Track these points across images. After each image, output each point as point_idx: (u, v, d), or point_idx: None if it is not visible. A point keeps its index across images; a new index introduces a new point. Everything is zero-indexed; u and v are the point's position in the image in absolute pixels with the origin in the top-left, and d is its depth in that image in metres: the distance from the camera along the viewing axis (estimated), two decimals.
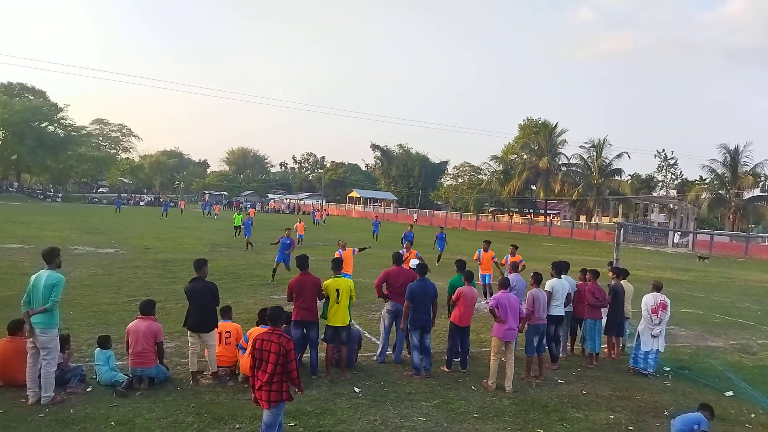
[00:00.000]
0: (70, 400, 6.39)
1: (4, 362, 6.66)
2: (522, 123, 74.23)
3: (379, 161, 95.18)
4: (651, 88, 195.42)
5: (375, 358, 8.80)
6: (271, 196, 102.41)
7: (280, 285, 15.34)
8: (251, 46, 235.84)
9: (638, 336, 9.08)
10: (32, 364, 6.27)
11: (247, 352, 7.21)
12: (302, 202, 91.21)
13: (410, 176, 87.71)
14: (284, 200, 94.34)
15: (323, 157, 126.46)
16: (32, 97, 76.18)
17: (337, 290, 7.77)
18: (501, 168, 70.53)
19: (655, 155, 75.69)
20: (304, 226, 29.48)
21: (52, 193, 72.19)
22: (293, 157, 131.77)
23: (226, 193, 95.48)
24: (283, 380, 4.94)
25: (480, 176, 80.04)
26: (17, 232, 25.72)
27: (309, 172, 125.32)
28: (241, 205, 74.23)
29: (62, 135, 76.23)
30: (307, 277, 7.86)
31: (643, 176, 76.78)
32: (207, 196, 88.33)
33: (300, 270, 7.94)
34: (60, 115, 76.47)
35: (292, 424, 6.05)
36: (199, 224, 40.23)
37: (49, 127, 74.81)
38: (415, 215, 68.22)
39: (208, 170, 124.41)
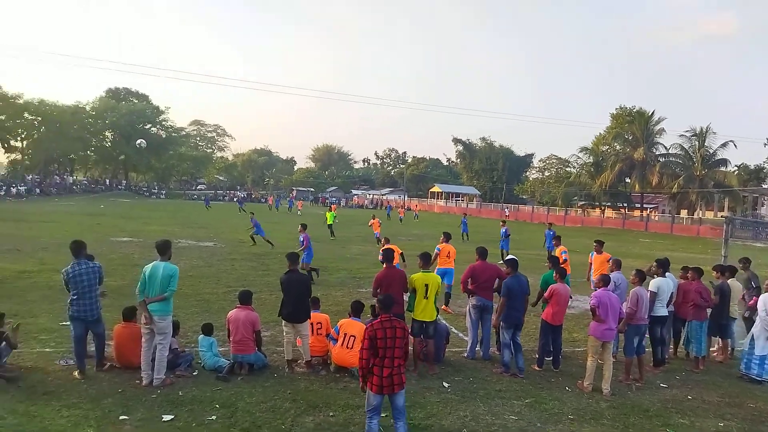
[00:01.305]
0: (179, 382, 6.87)
1: (120, 346, 7.29)
2: (614, 112, 70.32)
3: (461, 155, 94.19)
4: (758, 71, 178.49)
5: (464, 354, 8.73)
6: (354, 191, 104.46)
7: (366, 278, 15.63)
8: (338, 46, 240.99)
9: (752, 339, 8.35)
10: (146, 348, 6.82)
11: (339, 342, 7.42)
12: (384, 197, 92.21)
13: (494, 170, 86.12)
14: (367, 196, 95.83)
15: (405, 153, 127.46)
16: (136, 101, 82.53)
17: (426, 285, 7.74)
18: (591, 160, 67.22)
19: (765, 144, 69.07)
20: (379, 223, 28.56)
21: (156, 191, 77.94)
22: (375, 153, 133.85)
23: (312, 189, 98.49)
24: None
25: (568, 169, 76.88)
26: (127, 227, 28.00)
27: (391, 167, 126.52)
28: (326, 201, 75.59)
29: (164, 136, 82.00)
30: (394, 271, 7.91)
31: (752, 167, 70.40)
32: (294, 192, 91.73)
33: (386, 264, 8.02)
34: (162, 117, 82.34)
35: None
36: (289, 219, 41.77)
37: (152, 128, 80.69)
38: (506, 210, 65.89)
39: (295, 167, 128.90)
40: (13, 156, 72.17)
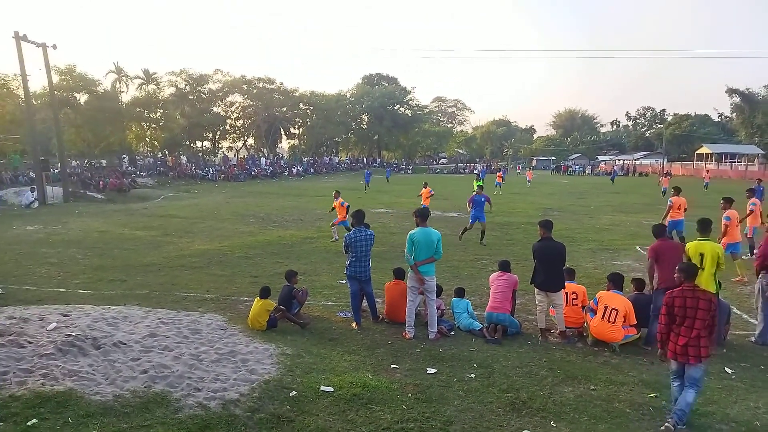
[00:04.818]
0: (439, 340, 7.40)
1: (391, 301, 8.17)
2: None
3: (737, 108, 79.01)
4: None
5: (752, 338, 7.47)
6: (601, 157, 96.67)
7: (620, 250, 14.45)
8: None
9: None
10: (411, 306, 7.53)
11: (599, 314, 7.05)
12: (638, 162, 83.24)
13: None
14: (617, 161, 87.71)
15: (663, 111, 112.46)
16: (387, 85, 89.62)
17: (701, 254, 6.91)
18: None
19: None
20: (429, 194, 21.49)
21: (404, 166, 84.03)
22: (627, 114, 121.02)
23: (553, 158, 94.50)
24: (708, 336, 5.00)
25: None
26: (382, 200, 30.92)
27: (645, 128, 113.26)
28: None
29: (410, 115, 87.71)
30: (668, 243, 7.36)
31: None
32: (534, 161, 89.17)
33: (659, 236, 7.42)
34: (408, 97, 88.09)
35: (652, 395, 5.67)
36: (530, 189, 40.94)
37: (401, 109, 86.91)
38: None
39: (535, 136, 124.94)
40: (292, 142, 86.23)
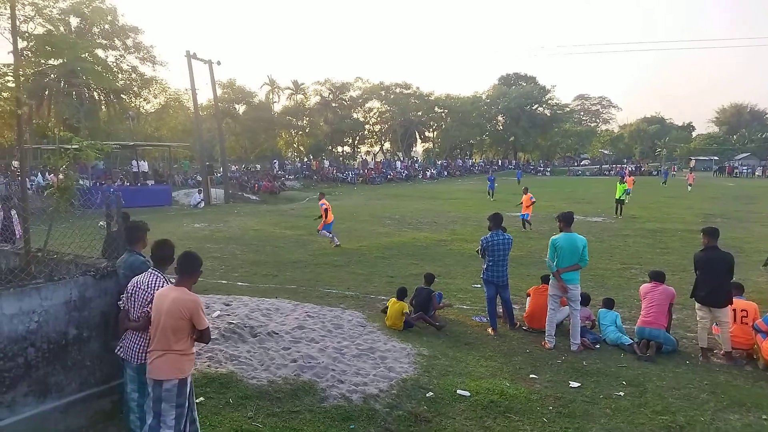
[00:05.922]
0: (582, 353, 7.01)
1: (534, 306, 7.91)
2: None
3: None
4: None
5: None
6: None
7: None
8: None
9: None
10: (552, 314, 7.22)
11: None
12: None
13: None
14: None
15: None
16: (524, 84, 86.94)
17: None
18: None
19: None
20: (531, 201, 20.02)
21: (542, 168, 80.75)
22: None
23: (716, 158, 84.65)
24: None
25: None
26: (518, 202, 29.99)
27: None
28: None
29: (549, 114, 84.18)
30: None
31: None
32: (693, 162, 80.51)
33: None
34: (547, 96, 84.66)
35: None
36: (689, 194, 37.08)
37: (539, 108, 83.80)
38: None
39: (694, 133, 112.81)
40: (426, 145, 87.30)
